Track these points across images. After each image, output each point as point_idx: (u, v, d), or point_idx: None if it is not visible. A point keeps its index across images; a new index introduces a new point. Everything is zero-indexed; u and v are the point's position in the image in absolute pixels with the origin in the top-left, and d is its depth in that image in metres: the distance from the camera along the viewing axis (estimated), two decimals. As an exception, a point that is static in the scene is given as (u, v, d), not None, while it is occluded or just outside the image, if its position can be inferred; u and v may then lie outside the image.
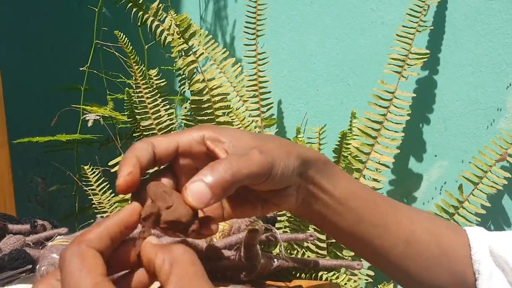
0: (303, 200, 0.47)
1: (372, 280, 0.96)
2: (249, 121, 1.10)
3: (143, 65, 1.04)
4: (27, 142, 1.16)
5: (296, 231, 0.94)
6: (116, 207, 1.02)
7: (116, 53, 1.17)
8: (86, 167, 1.03)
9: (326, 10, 1.16)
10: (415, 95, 1.00)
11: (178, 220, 0.37)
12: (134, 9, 0.98)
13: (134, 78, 1.02)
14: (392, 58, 0.99)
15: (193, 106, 1.01)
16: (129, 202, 0.38)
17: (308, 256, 0.92)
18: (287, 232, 0.95)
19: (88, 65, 1.24)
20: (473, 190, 0.95)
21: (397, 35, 0.99)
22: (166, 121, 1.03)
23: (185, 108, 1.17)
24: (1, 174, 1.14)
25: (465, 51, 1.00)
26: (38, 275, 0.58)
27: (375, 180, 0.97)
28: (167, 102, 1.06)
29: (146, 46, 1.24)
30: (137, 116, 1.05)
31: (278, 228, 0.94)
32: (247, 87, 1.12)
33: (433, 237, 0.52)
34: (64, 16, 1.66)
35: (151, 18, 0.99)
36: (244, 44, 1.12)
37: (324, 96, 1.18)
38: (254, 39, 1.10)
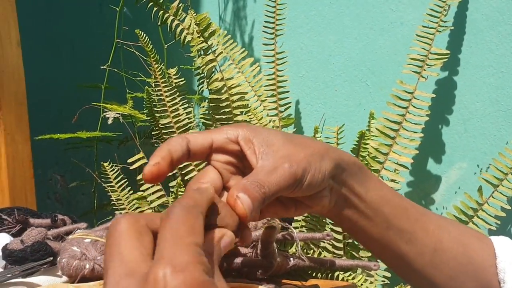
0: (335, 203, 0.47)
1: (388, 282, 0.95)
2: (267, 120, 1.10)
3: (162, 64, 1.05)
4: (48, 139, 1.18)
5: (313, 230, 0.94)
6: (134, 204, 1.03)
7: (136, 52, 1.18)
8: (105, 164, 1.05)
9: (345, 10, 1.16)
10: (434, 95, 0.99)
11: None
12: (155, 9, 1.00)
13: (153, 77, 1.03)
14: (412, 58, 0.98)
15: (212, 105, 1.02)
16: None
17: (325, 256, 0.91)
18: (303, 231, 0.95)
19: (108, 63, 1.25)
20: (493, 192, 0.94)
21: (417, 35, 0.98)
22: (184, 119, 1.03)
23: (203, 107, 1.18)
24: (23, 170, 1.16)
25: (486, 51, 0.99)
26: (58, 267, 0.59)
27: (393, 181, 0.96)
28: (185, 101, 1.07)
29: (166, 46, 1.25)
30: (156, 115, 1.06)
31: (295, 227, 0.94)
32: (265, 86, 1.12)
33: (460, 246, 0.51)
34: (86, 16, 1.68)
35: (171, 17, 1.00)
36: (263, 44, 1.12)
37: (342, 97, 1.18)
38: (272, 38, 1.10)
